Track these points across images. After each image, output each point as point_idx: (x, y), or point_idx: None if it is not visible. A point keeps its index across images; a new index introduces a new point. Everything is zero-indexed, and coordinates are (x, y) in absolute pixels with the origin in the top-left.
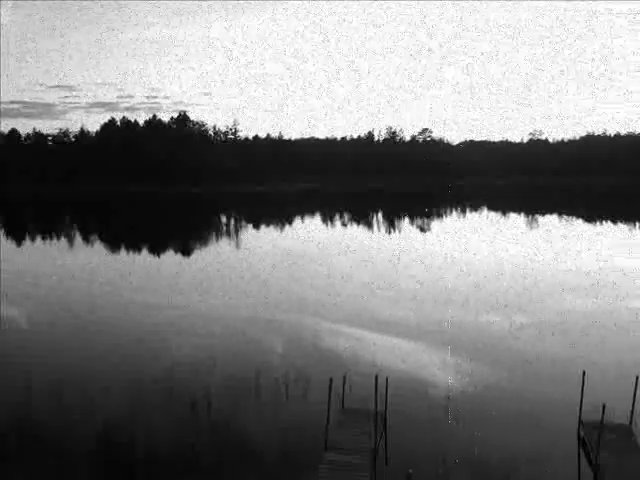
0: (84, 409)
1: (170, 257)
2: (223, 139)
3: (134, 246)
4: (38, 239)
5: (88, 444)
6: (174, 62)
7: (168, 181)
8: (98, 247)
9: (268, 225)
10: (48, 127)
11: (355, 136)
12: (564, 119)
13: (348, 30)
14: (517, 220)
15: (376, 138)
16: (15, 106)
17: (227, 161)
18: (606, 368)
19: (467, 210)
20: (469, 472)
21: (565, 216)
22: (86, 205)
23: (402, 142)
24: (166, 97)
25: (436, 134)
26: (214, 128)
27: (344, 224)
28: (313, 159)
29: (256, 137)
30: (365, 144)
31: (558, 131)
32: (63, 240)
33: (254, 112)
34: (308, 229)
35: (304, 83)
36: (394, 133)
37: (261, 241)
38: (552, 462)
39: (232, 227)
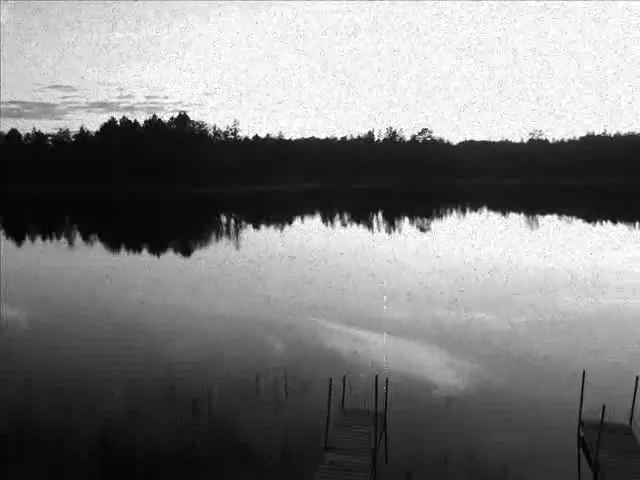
0: (84, 409)
1: (170, 257)
2: (223, 139)
3: (134, 246)
4: (38, 239)
5: (88, 444)
6: (174, 62)
7: (168, 181)
8: (98, 247)
9: (268, 225)
10: (48, 127)
11: (355, 136)
12: (564, 119)
13: (348, 30)
14: (517, 220)
15: (376, 138)
16: (15, 106)
17: (227, 161)
18: (606, 368)
19: (467, 210)
20: (469, 472)
21: (565, 216)
22: (86, 205)
23: (402, 142)
24: (166, 97)
25: (436, 134)
26: (214, 128)
27: (344, 224)
28: (313, 159)
29: (256, 137)
30: (365, 144)
31: (558, 131)
32: (63, 240)
33: (254, 112)
34: (308, 229)
35: (304, 83)
36: (394, 133)
37: (261, 241)
38: (552, 462)
39: (232, 227)
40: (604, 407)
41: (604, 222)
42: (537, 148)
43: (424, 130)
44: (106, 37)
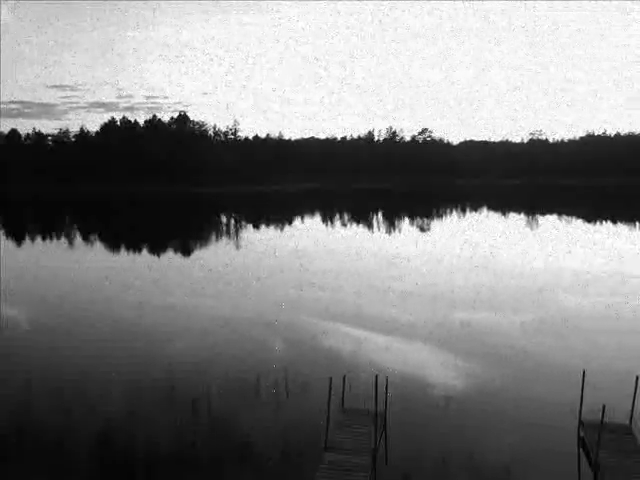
0: (84, 409)
1: (170, 257)
2: (223, 139)
3: (134, 246)
4: (38, 239)
5: (88, 444)
6: (174, 62)
7: (168, 181)
8: (98, 247)
9: (268, 225)
10: (48, 127)
11: (355, 136)
12: (564, 119)
13: (348, 30)
14: (516, 220)
15: (376, 138)
16: (15, 106)
17: (227, 161)
18: (606, 368)
19: (467, 210)
20: (469, 472)
21: (565, 216)
22: (86, 205)
23: (402, 142)
24: (166, 97)
25: (436, 134)
26: (214, 128)
27: (344, 224)
28: (313, 159)
29: (256, 137)
30: (365, 144)
31: (558, 131)
32: (63, 240)
33: (254, 112)
34: (308, 229)
35: (304, 83)
36: (394, 133)
37: (261, 241)
38: (552, 462)
39: (232, 227)
40: (604, 407)
41: (604, 222)
42: (537, 148)
43: (424, 130)
44: (106, 37)
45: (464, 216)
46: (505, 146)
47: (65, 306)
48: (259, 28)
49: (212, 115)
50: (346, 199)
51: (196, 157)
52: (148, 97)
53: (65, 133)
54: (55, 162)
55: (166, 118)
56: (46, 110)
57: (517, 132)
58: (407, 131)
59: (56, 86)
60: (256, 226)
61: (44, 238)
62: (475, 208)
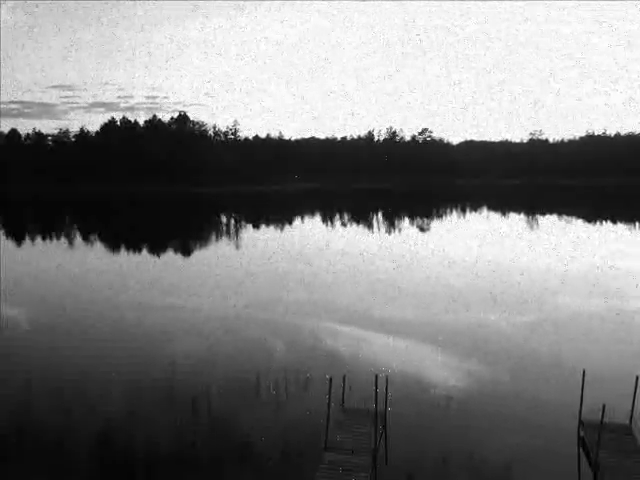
0: (84, 409)
1: (170, 257)
2: (223, 139)
3: (134, 246)
4: (38, 239)
5: (88, 444)
6: (174, 62)
7: (168, 181)
8: (98, 247)
9: (268, 225)
10: (48, 127)
11: (355, 136)
12: (564, 119)
13: (348, 30)
14: (517, 220)
15: (376, 138)
16: (15, 106)
17: (227, 161)
18: (606, 368)
19: (467, 210)
20: (469, 472)
21: (565, 216)
22: (86, 205)
23: (402, 142)
24: (166, 97)
25: (436, 134)
26: (214, 128)
27: (344, 224)
28: (313, 159)
29: (256, 137)
30: (365, 144)
31: (558, 131)
32: (63, 240)
33: (254, 112)
34: (308, 229)
35: (305, 83)
36: (394, 133)
37: (260, 241)
38: (552, 462)
39: (232, 227)
40: (604, 407)
41: (604, 222)
42: (537, 148)
43: (424, 130)
44: (107, 37)
45: (464, 216)
46: (505, 146)
47: (65, 306)
48: (259, 28)
49: (212, 115)
50: (346, 199)
51: (196, 157)
52: (148, 97)
53: (65, 133)
54: (55, 162)
55: (166, 118)
56: (46, 110)
57: (517, 132)
58: (407, 131)
59: (56, 86)
60: (256, 226)
61: (44, 238)
62: (475, 208)
